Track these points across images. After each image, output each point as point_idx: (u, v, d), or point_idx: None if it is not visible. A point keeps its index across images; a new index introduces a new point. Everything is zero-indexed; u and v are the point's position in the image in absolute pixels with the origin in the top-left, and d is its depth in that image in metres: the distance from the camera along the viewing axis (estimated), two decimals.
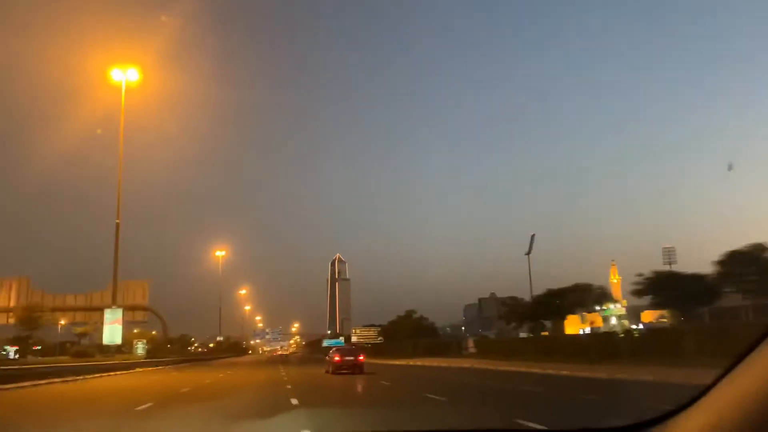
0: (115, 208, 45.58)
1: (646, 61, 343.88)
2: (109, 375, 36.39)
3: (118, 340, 46.93)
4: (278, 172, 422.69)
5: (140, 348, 60.99)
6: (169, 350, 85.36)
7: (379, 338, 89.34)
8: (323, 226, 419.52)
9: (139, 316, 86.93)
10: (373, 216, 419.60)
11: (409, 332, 74.65)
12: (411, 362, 53.12)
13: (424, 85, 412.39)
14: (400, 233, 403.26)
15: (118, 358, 49.76)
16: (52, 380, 28.64)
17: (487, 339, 71.99)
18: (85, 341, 70.80)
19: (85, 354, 54.62)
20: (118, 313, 47.30)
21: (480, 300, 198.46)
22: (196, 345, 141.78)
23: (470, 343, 69.59)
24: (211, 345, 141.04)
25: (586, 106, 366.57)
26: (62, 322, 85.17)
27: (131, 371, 41.29)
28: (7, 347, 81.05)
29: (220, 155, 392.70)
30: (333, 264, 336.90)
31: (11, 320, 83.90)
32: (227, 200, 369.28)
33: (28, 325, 38.87)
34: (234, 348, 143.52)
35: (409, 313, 77.89)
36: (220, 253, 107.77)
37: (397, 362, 56.01)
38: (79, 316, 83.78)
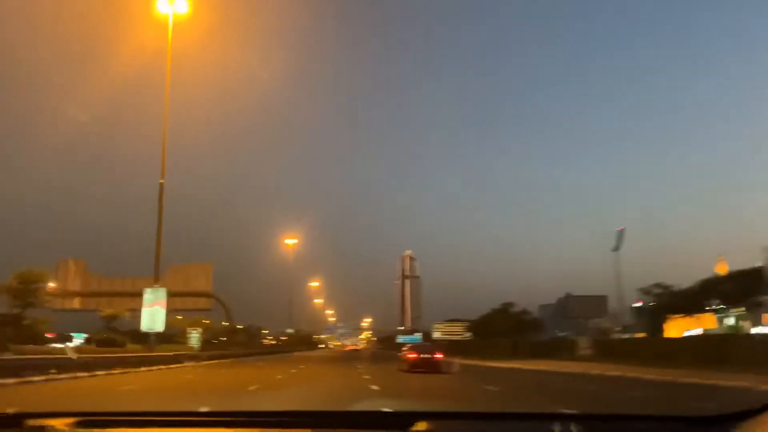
0: (174, 182, 37.79)
1: (751, 52, 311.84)
2: (135, 371, 27.12)
3: (160, 327, 38.02)
4: (355, 157, 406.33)
5: (193, 338, 52.42)
6: (235, 342, 77.16)
7: (466, 335, 78.16)
8: (396, 221, 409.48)
9: (202, 303, 79.59)
10: (445, 215, 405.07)
11: (505, 329, 62.94)
12: (524, 365, 41.28)
13: (509, 82, 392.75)
14: (470, 234, 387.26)
15: (162, 348, 40.99)
16: (27, 379, 19.36)
17: (606, 340, 59.20)
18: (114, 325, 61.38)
19: (113, 343, 46.21)
20: (161, 294, 38.44)
21: (563, 298, 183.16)
22: (270, 338, 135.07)
23: (584, 343, 57.27)
24: (283, 338, 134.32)
25: (679, 98, 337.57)
26: (127, 310, 79.07)
27: (166, 367, 32.13)
28: (74, 334, 74.33)
29: (292, 127, 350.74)
30: (404, 260, 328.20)
31: (76, 304, 79.18)
32: (296, 182, 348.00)
33: (22, 299, 30.56)
34: (304, 341, 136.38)
35: (506, 307, 66.02)
36: (291, 242, 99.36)
37: (497, 364, 44.33)
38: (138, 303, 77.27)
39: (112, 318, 56.84)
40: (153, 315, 37.63)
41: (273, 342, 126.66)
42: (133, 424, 2.35)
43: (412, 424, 2.17)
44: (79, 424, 2.17)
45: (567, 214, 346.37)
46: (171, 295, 77.48)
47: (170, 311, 71.18)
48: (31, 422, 2.16)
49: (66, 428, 2.11)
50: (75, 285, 77.41)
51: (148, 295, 38.14)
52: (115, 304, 77.96)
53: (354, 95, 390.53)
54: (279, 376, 24.02)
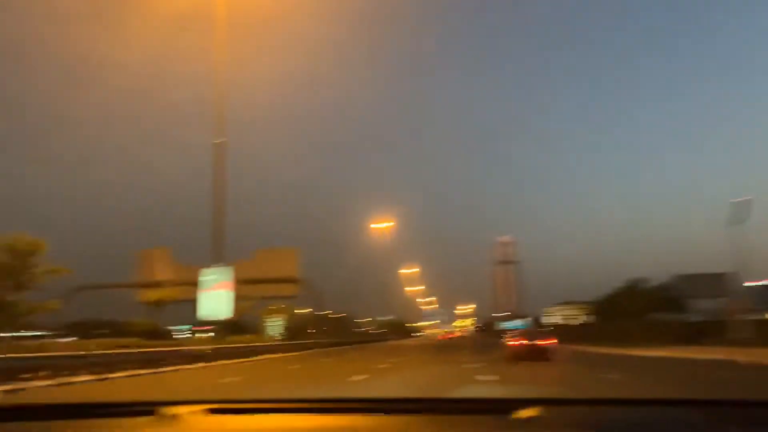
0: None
1: None
2: (172, 370, 20.86)
3: (227, 313, 31.69)
4: (449, 140, 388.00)
5: (273, 327, 46.21)
6: (324, 331, 71.52)
7: (583, 318, 68.30)
8: (494, 205, 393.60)
9: (288, 290, 74.46)
10: (544, 198, 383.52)
11: (637, 309, 52.71)
12: (695, 353, 31.38)
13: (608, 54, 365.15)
14: (570, 217, 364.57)
15: (231, 340, 34.89)
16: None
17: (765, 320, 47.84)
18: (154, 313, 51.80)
19: (156, 334, 40.11)
20: (226, 274, 32.05)
21: (674, 277, 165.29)
22: (367, 326, 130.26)
23: (741, 324, 46.27)
24: (377, 327, 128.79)
25: None
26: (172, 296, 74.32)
27: (228, 362, 25.74)
28: (184, 327, 68.94)
29: (376, 108, 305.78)
30: (501, 245, 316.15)
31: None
32: (388, 165, 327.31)
33: (12, 278, 24.31)
34: (400, 329, 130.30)
35: (635, 283, 55.55)
36: (384, 225, 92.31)
37: (660, 353, 34.48)
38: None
39: (158, 303, 49.69)
40: (216, 299, 31.38)
41: (366, 330, 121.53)
42: (263, 410, 2.31)
43: (522, 409, 2.07)
44: (209, 411, 2.16)
45: (673, 191, 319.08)
46: (255, 281, 73.33)
47: (255, 299, 66.61)
48: (163, 410, 2.17)
49: (195, 415, 2.12)
50: (163, 275, 74.63)
51: (209, 275, 31.95)
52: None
53: (455, 72, 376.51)
54: (358, 377, 16.58)
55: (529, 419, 2.05)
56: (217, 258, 32.51)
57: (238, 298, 72.00)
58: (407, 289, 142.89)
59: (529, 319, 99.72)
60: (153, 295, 47.34)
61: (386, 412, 2.28)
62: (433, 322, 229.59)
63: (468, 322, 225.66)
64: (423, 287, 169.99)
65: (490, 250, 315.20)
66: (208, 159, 32.36)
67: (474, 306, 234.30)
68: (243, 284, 75.07)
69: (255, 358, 29.82)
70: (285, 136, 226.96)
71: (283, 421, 2.28)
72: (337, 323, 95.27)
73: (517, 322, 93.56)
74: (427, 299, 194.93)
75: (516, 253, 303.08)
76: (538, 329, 43.29)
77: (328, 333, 70.64)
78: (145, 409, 2.17)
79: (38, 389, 14.48)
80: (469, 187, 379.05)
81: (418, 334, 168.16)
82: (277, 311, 51.01)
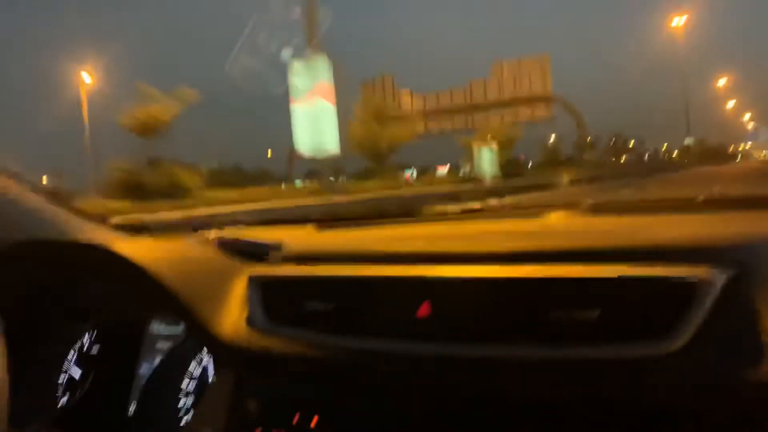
0: None
1: None
2: None
3: (330, 146, 17.18)
4: None
5: (486, 159, 30.09)
6: (590, 162, 52.83)
7: None
8: None
9: (540, 111, 56.77)
10: None
11: None
12: None
13: None
14: None
15: (361, 186, 20.65)
16: None
17: None
18: None
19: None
20: (320, 70, 17.20)
21: None
22: (671, 154, 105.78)
23: None
24: (676, 154, 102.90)
25: None
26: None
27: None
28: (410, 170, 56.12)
29: None
30: None
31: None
32: None
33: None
34: (710, 155, 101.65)
35: None
36: (678, 20, 64.64)
37: None
38: (459, 122, 59.37)
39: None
40: (312, 119, 17.12)
41: (663, 158, 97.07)
42: (642, 210, 1.93)
43: None
44: (590, 211, 1.84)
45: None
46: (499, 105, 57.40)
47: (500, 128, 49.60)
48: (546, 212, 1.93)
49: (577, 215, 1.86)
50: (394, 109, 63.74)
51: (299, 74, 17.38)
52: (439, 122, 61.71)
53: None
54: None
55: None
56: (309, 44, 17.54)
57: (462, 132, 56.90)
58: (725, 104, 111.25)
59: None
60: None
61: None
62: (760, 141, 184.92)
63: None
64: (745, 100, 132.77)
65: None
66: None
67: None
68: (482, 110, 60.44)
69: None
70: None
71: (663, 219, 1.84)
72: (611, 151, 74.63)
73: None
74: (750, 114, 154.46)
75: None
76: None
77: (594, 165, 51.49)
78: (532, 212, 2.03)
79: None
80: None
81: (738, 159, 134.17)
82: (495, 137, 33.52)
